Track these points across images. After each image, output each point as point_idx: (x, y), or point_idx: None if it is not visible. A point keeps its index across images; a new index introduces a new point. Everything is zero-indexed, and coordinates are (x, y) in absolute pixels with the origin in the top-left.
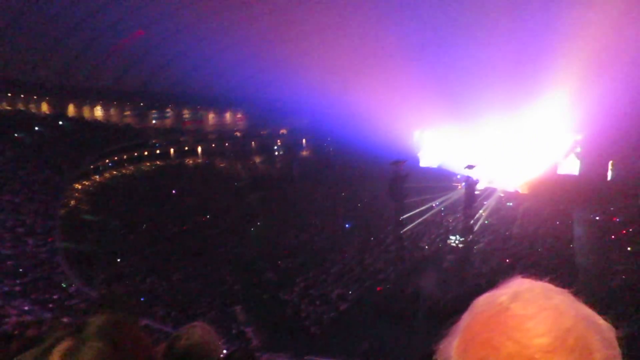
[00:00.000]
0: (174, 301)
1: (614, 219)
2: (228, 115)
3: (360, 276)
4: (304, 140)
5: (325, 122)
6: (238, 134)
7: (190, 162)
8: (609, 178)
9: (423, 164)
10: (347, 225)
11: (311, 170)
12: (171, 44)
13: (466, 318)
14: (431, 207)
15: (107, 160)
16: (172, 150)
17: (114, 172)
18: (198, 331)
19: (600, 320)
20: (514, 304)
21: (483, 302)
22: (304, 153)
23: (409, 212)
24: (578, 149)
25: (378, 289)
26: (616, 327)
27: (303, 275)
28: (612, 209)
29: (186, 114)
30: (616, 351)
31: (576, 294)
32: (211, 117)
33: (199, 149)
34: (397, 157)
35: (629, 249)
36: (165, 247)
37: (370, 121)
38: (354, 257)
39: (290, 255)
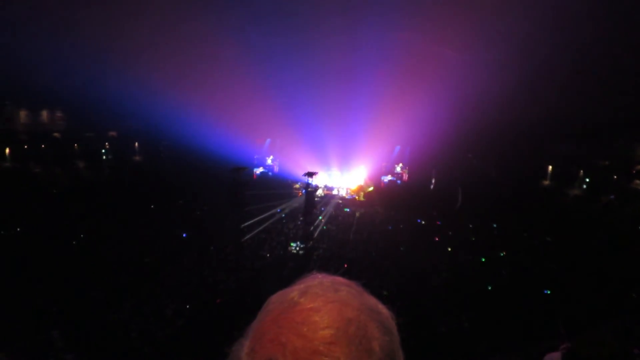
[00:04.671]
0: None
1: (437, 223)
2: (45, 114)
3: (199, 288)
4: (136, 144)
5: (162, 125)
6: (57, 135)
7: None
8: (431, 187)
9: (265, 171)
10: (184, 235)
11: (145, 177)
12: None
13: (259, 317)
14: (273, 215)
15: None
16: None
17: None
18: None
19: (383, 309)
20: (303, 298)
21: (275, 299)
22: (137, 158)
23: (249, 220)
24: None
25: (217, 300)
26: (441, 322)
27: (134, 291)
28: (435, 214)
29: None
30: (394, 336)
31: (402, 292)
32: (23, 115)
33: (7, 152)
34: (238, 164)
35: (449, 249)
36: None
37: (212, 127)
38: (192, 269)
39: (120, 270)
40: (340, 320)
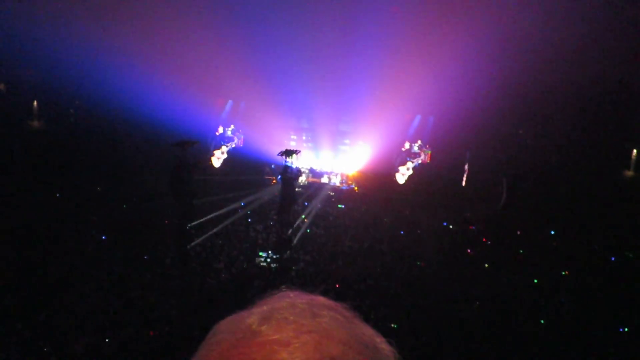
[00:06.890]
0: None
1: (470, 227)
2: None
3: (124, 316)
4: (34, 104)
5: (73, 76)
6: None
7: None
8: (464, 175)
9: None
10: (102, 238)
11: (46, 152)
12: None
13: (200, 352)
14: (234, 211)
15: None
16: None
17: None
18: None
19: (382, 344)
20: (266, 326)
21: (225, 327)
22: (34, 123)
23: (199, 219)
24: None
25: (150, 333)
26: None
27: (25, 319)
28: (468, 215)
29: None
30: None
31: (416, 326)
32: None
33: None
34: (184, 136)
35: (486, 265)
36: None
37: (147, 80)
38: (113, 287)
39: (4, 290)
40: (318, 358)
